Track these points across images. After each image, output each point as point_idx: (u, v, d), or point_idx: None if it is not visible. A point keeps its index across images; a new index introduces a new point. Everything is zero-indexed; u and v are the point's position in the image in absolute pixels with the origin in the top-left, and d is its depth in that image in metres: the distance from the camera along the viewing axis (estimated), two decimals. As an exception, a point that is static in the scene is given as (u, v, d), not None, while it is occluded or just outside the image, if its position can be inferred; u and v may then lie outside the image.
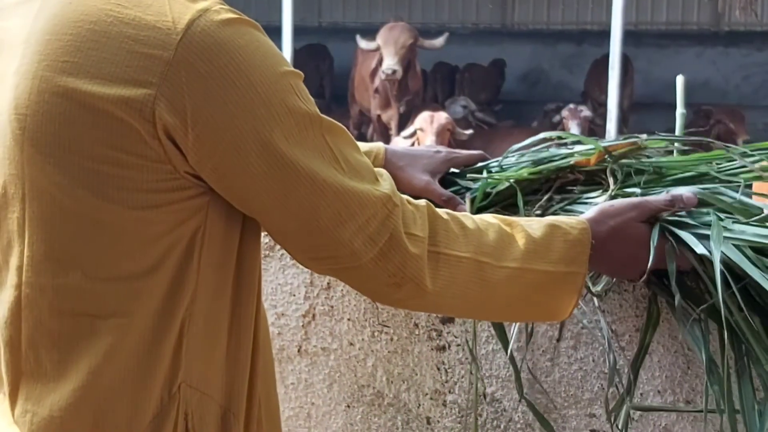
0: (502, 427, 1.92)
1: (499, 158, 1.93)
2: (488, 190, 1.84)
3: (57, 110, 1.29)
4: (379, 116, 9.90)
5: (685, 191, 1.66)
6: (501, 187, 1.84)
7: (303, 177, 1.32)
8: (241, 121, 1.28)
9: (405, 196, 1.43)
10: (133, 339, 1.34)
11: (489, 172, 1.89)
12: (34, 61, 1.30)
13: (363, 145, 1.76)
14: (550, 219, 1.54)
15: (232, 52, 1.27)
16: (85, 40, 1.28)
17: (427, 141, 7.38)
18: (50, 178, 1.31)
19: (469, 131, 8.13)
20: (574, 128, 8.55)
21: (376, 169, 1.42)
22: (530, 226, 1.51)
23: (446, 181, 1.89)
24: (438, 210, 1.46)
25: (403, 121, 9.21)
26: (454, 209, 1.69)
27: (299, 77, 1.35)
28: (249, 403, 1.45)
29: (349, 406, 2.04)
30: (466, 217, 1.48)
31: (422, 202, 1.45)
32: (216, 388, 1.40)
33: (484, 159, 1.95)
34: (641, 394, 1.84)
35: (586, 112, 8.94)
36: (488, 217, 1.51)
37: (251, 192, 1.33)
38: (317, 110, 1.35)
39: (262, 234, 1.45)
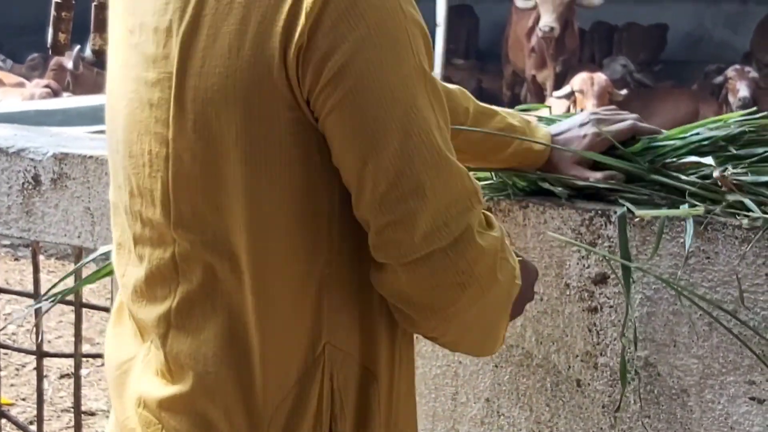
0: (655, 392, 1.86)
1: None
2: None
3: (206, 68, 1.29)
4: (534, 76, 9.79)
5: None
6: None
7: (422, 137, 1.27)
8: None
9: None
10: (276, 298, 1.33)
11: None
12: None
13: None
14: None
15: (374, 5, 1.25)
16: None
17: (588, 104, 7.27)
18: (190, 139, 1.31)
19: (624, 91, 7.95)
20: (743, 90, 8.27)
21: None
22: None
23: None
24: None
25: (559, 82, 9.07)
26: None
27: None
28: (390, 362, 1.42)
29: (497, 366, 2.00)
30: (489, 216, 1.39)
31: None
32: (355, 346, 1.38)
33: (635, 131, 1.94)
34: (806, 362, 1.75)
35: (753, 72, 8.63)
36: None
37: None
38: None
39: None
